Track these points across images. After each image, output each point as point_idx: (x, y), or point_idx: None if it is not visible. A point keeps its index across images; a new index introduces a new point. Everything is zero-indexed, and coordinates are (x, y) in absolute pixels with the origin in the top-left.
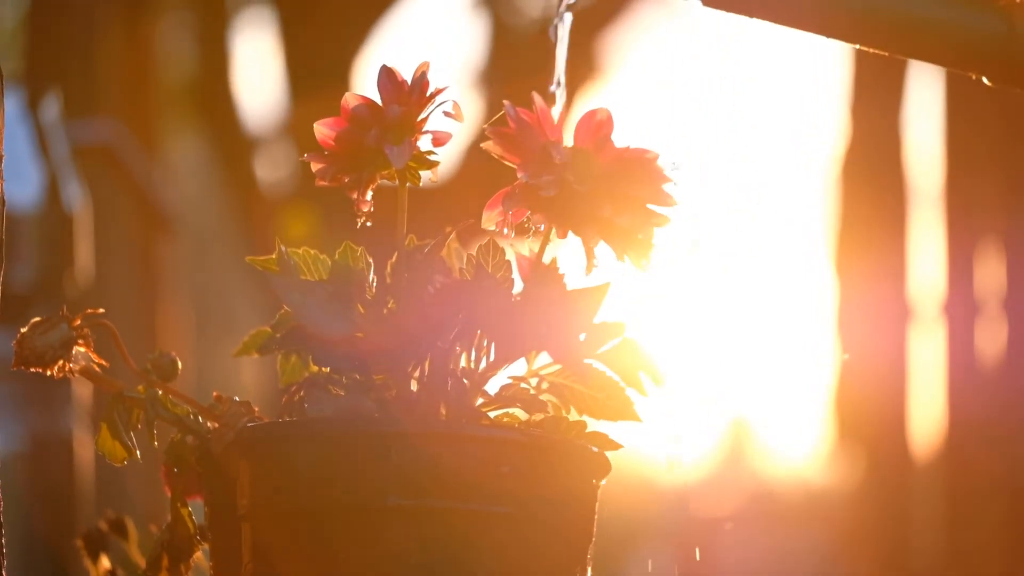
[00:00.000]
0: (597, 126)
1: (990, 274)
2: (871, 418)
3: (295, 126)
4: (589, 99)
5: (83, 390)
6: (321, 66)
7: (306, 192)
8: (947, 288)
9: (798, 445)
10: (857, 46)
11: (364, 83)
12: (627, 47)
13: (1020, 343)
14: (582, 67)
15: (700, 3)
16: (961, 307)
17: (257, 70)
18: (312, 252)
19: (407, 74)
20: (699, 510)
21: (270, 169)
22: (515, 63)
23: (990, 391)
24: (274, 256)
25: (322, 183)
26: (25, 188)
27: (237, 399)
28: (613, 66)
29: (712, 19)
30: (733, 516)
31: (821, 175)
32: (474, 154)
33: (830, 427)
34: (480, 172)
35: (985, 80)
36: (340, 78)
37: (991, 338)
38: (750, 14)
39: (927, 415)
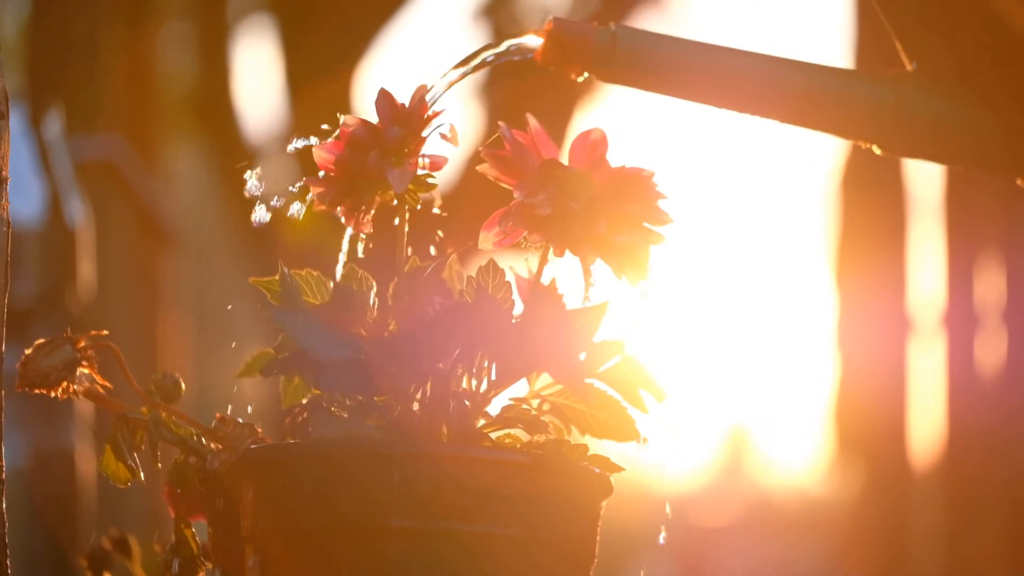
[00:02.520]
0: (592, 146)
1: (990, 285)
2: (871, 429)
3: (297, 137)
4: (589, 110)
5: (85, 405)
6: (322, 77)
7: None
8: (947, 299)
9: (798, 455)
10: (755, 118)
11: (365, 94)
12: None
13: (1020, 354)
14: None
15: (596, 78)
16: (961, 318)
17: (258, 81)
18: (315, 274)
19: (405, 96)
20: (698, 520)
21: (273, 181)
22: (515, 74)
23: (990, 402)
24: (276, 277)
25: (322, 207)
26: (27, 204)
27: (240, 420)
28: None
29: (710, 27)
30: (732, 526)
31: (821, 185)
32: (474, 166)
33: (830, 437)
34: (480, 183)
35: (876, 149)
36: (341, 89)
37: (991, 349)
38: (649, 88)
39: (927, 426)
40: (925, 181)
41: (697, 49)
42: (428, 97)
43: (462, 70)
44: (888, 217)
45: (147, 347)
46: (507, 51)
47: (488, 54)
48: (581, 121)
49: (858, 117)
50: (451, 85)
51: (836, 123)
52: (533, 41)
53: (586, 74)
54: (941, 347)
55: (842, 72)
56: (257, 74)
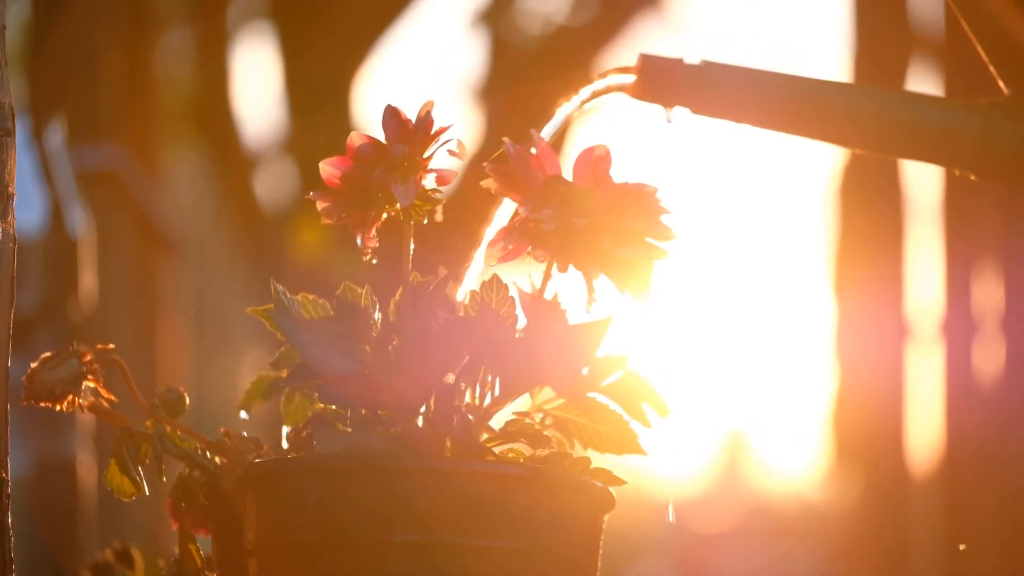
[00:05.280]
0: (596, 162)
1: (988, 292)
2: (869, 435)
3: (297, 144)
4: (586, 118)
5: (87, 416)
6: (322, 84)
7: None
8: (945, 306)
9: (796, 461)
10: (846, 149)
11: (364, 101)
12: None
13: (1018, 361)
14: (580, 86)
15: (689, 111)
16: (959, 325)
17: (258, 88)
18: (312, 297)
19: (410, 110)
20: (696, 525)
21: (273, 189)
22: (514, 81)
23: (988, 409)
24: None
25: (328, 221)
26: (29, 214)
27: (245, 434)
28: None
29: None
30: (730, 532)
31: (819, 191)
32: (470, 172)
33: (828, 444)
34: (478, 189)
35: (972, 177)
36: (341, 96)
37: (989, 356)
38: (738, 120)
39: (925, 433)
40: (923, 187)
41: (783, 81)
42: (543, 134)
43: (568, 109)
44: (886, 223)
45: (147, 356)
46: (604, 88)
47: (587, 92)
48: (577, 128)
49: (951, 146)
50: (558, 125)
51: (929, 152)
52: (626, 77)
53: (676, 108)
54: (939, 354)
55: (934, 100)
56: (257, 81)
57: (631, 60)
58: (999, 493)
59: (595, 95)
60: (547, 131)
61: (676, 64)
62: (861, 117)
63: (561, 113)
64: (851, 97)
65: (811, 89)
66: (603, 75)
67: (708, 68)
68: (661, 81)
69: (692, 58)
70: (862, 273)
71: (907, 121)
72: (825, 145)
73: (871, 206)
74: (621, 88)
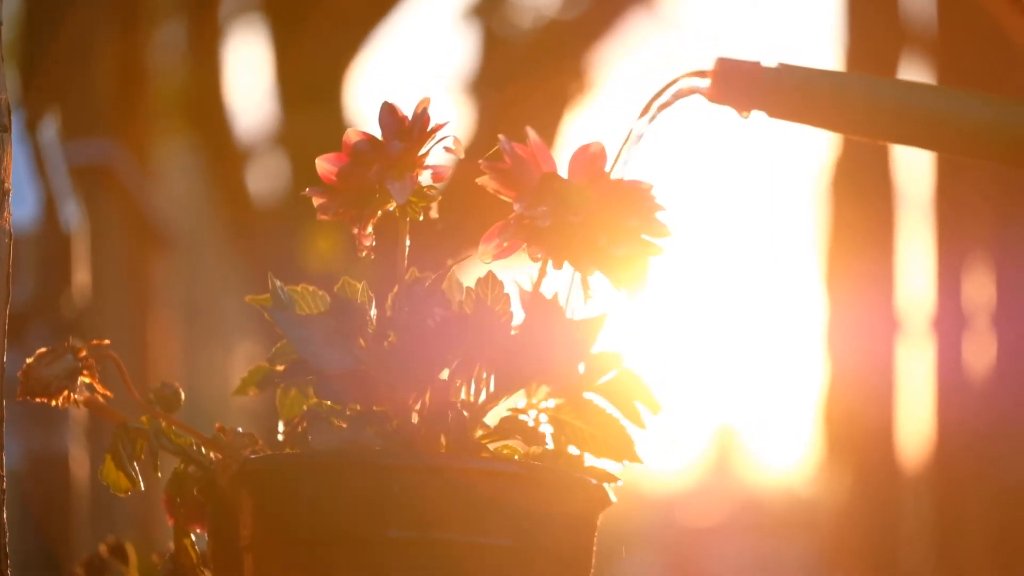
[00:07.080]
0: (591, 159)
1: (979, 287)
2: (859, 430)
3: (289, 139)
4: (579, 114)
5: (80, 410)
6: (314, 77)
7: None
8: (936, 301)
9: (786, 456)
10: (908, 147)
11: (356, 94)
12: (617, 61)
13: (1009, 356)
14: (573, 81)
15: (766, 115)
16: (950, 320)
17: (251, 83)
18: (311, 289)
19: (406, 106)
20: (686, 519)
21: (265, 183)
22: (506, 75)
23: (979, 404)
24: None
25: (324, 217)
26: (23, 208)
27: (240, 430)
28: (603, 80)
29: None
30: (720, 526)
31: (810, 184)
32: (463, 168)
33: (819, 438)
34: (471, 184)
35: None
36: (333, 90)
37: (980, 351)
38: (817, 124)
39: (915, 427)
40: (914, 181)
41: (863, 84)
42: (618, 153)
43: (644, 120)
44: (877, 217)
45: (140, 350)
46: (679, 92)
47: (662, 99)
48: (569, 123)
49: (1011, 144)
50: (640, 137)
51: (988, 150)
52: (701, 81)
53: (753, 112)
54: (930, 348)
55: (1018, 102)
56: (249, 76)
57: (707, 63)
58: (990, 488)
59: (675, 99)
60: (626, 140)
61: (754, 67)
62: (942, 119)
63: (641, 121)
64: (931, 99)
65: (892, 91)
66: (679, 79)
67: (786, 71)
68: (739, 84)
69: (769, 61)
70: (853, 267)
71: (991, 124)
72: (904, 147)
73: (862, 200)
74: (697, 92)
